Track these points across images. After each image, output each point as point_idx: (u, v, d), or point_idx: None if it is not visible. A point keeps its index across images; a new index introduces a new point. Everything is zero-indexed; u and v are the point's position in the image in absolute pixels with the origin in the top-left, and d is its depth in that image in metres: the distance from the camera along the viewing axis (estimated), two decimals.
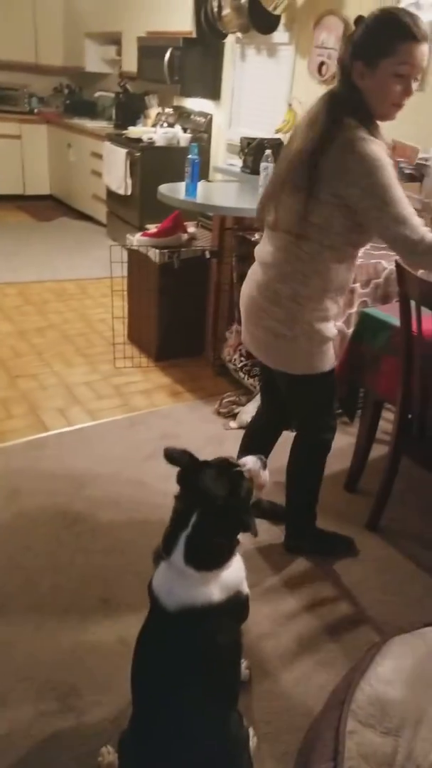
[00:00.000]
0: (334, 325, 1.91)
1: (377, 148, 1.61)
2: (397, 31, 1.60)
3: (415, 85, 1.65)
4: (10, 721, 1.62)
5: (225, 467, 1.38)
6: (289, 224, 1.74)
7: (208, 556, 1.31)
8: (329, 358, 1.93)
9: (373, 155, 1.59)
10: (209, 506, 1.30)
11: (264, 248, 1.89)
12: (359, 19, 1.66)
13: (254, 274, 1.93)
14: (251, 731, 1.56)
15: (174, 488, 1.37)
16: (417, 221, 1.63)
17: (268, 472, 1.48)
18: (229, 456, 1.44)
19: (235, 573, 1.37)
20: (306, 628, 1.95)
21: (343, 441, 2.31)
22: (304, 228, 1.71)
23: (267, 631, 1.93)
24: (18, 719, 1.62)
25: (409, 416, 2.13)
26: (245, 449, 2.26)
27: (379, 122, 1.71)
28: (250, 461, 1.44)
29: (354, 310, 2.81)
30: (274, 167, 1.87)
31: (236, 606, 1.39)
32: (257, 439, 2.28)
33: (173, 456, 1.37)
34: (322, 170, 1.63)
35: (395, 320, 2.08)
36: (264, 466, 1.47)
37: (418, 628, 1.58)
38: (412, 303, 1.93)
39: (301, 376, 1.92)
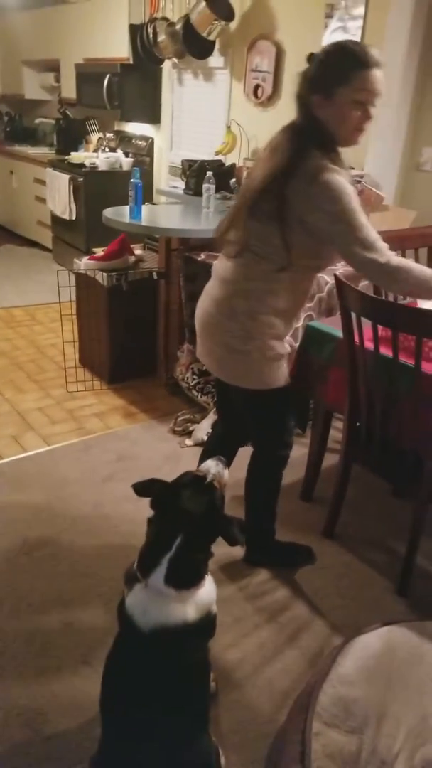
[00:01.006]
0: (286, 342, 1.97)
1: (340, 177, 1.69)
2: (349, 60, 1.68)
3: (373, 110, 1.74)
4: None
5: (196, 483, 1.41)
6: (254, 245, 1.79)
7: (189, 574, 1.34)
8: (282, 375, 1.98)
9: (336, 183, 1.67)
10: (192, 528, 1.33)
11: (223, 264, 1.94)
12: (311, 56, 1.74)
13: (212, 289, 1.96)
14: (220, 750, 1.58)
15: (134, 508, 1.39)
16: (382, 245, 1.70)
17: (227, 471, 1.52)
18: (191, 470, 1.47)
19: (208, 592, 1.40)
20: (268, 638, 1.99)
21: (297, 452, 2.37)
22: (267, 249, 1.78)
23: (230, 642, 1.95)
24: None
25: (357, 424, 2.21)
26: None
27: (342, 148, 1.79)
28: (212, 465, 1.48)
29: (300, 323, 2.88)
30: (238, 192, 1.95)
31: (207, 624, 1.41)
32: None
33: (143, 488, 1.39)
34: (289, 198, 1.69)
35: (339, 332, 2.15)
36: (225, 464, 1.51)
37: (376, 628, 1.64)
38: (353, 315, 2.01)
39: (256, 391, 1.96)
